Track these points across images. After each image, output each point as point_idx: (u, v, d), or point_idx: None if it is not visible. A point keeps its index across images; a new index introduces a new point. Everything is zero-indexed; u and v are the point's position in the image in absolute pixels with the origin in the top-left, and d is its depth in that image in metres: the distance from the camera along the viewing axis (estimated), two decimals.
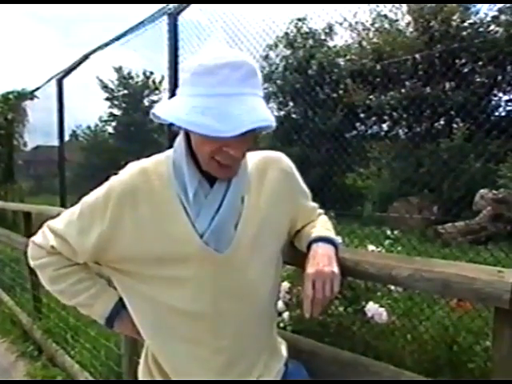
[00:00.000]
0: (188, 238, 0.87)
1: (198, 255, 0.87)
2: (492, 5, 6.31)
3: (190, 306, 0.89)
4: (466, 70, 6.68)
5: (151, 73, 16.56)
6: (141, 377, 1.04)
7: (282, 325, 2.18)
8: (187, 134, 0.87)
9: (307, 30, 7.55)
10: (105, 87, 16.38)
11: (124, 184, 0.89)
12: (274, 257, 0.98)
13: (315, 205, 1.08)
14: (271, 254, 0.97)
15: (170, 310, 0.90)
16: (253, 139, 0.84)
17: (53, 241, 0.96)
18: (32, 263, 1.03)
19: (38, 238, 1.01)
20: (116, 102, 16.78)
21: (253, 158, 0.94)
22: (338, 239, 0.99)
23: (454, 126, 6.44)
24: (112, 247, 0.90)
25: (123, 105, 16.68)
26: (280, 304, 2.26)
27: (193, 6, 3.32)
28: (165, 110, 0.81)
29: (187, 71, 0.80)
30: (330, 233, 0.99)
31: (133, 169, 0.91)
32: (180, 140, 0.89)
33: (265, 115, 0.78)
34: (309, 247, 0.95)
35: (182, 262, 0.88)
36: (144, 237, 0.88)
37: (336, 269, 0.89)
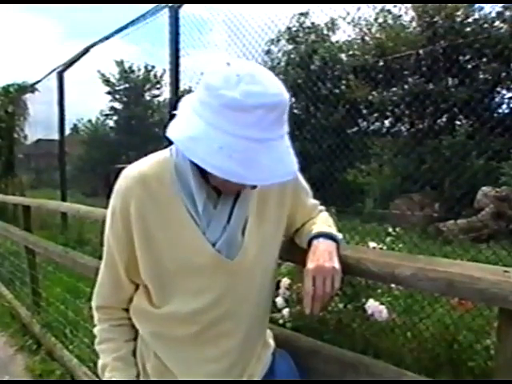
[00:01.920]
0: (200, 248, 0.86)
1: (212, 264, 0.86)
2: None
3: (205, 316, 0.88)
4: (469, 66, 6.63)
5: (153, 66, 16.49)
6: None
7: (281, 321, 2.17)
8: None
9: (310, 25, 7.50)
10: (106, 81, 16.31)
11: (123, 197, 0.86)
12: (274, 258, 0.98)
13: (316, 202, 1.06)
14: (273, 255, 0.97)
15: (183, 322, 0.89)
16: None
17: (98, 289, 0.98)
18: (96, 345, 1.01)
19: (93, 300, 1.01)
20: (117, 96, 16.71)
21: None
22: (340, 235, 0.98)
23: (457, 122, 6.40)
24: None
25: (124, 99, 16.61)
26: (280, 300, 2.25)
27: None
28: (185, 141, 0.73)
29: (211, 95, 0.71)
30: (331, 229, 0.98)
31: (130, 177, 0.87)
32: None
33: (291, 168, 0.76)
34: (309, 243, 0.94)
35: (195, 272, 0.87)
36: (154, 248, 0.86)
37: (337, 264, 0.87)
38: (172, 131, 0.76)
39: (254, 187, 0.82)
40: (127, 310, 0.98)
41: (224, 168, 0.70)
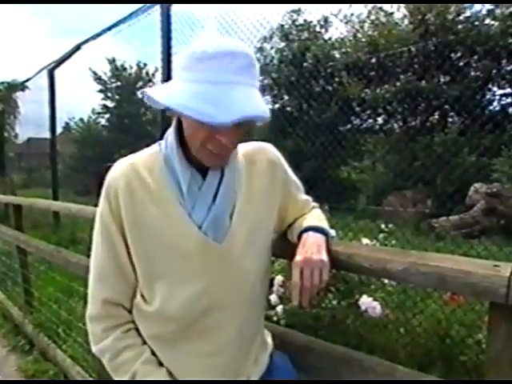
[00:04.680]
0: (187, 231, 0.86)
1: (199, 248, 0.86)
2: None
3: (194, 306, 0.87)
4: (461, 63, 6.67)
5: (145, 64, 16.39)
6: None
7: (275, 318, 2.17)
8: (179, 125, 0.86)
9: (302, 22, 7.50)
10: (98, 79, 16.17)
11: (117, 181, 0.88)
12: (266, 248, 0.97)
13: (308, 198, 1.06)
14: (264, 244, 0.96)
15: (173, 316, 0.88)
16: (245, 131, 0.84)
17: (101, 283, 0.91)
18: (94, 349, 0.93)
19: (89, 309, 0.93)
20: (109, 94, 16.58)
21: (241, 150, 0.93)
22: (331, 230, 0.98)
23: (449, 119, 6.44)
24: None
25: (116, 97, 16.48)
26: (274, 297, 2.25)
27: None
28: (164, 94, 0.79)
29: (187, 57, 0.79)
30: (322, 223, 0.98)
31: (123, 166, 0.90)
32: (172, 132, 0.88)
33: (262, 106, 0.78)
34: (299, 237, 0.94)
35: (183, 257, 0.86)
36: (143, 233, 0.87)
37: (325, 257, 0.88)
38: (152, 91, 0.82)
39: (234, 144, 0.84)
40: (130, 312, 0.93)
41: (201, 110, 0.74)
